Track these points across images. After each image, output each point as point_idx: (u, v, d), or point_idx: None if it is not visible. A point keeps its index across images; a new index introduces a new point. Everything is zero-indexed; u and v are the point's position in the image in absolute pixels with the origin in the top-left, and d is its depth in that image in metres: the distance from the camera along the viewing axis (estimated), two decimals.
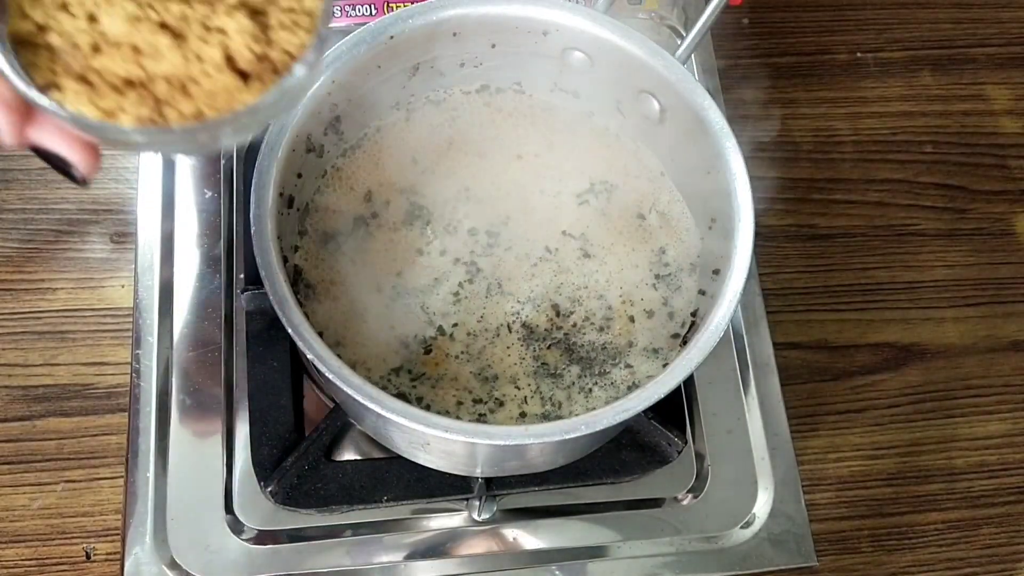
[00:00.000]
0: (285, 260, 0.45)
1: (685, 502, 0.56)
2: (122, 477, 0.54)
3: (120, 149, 0.30)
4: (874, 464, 0.62)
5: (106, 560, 0.55)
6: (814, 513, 0.57)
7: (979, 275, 0.68)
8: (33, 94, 0.27)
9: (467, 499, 0.54)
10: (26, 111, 0.27)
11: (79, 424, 0.57)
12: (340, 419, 0.53)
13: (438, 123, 0.54)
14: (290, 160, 0.46)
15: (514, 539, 0.54)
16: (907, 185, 0.71)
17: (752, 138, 0.50)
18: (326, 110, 0.49)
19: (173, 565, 0.51)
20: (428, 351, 0.49)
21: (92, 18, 0.28)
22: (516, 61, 0.52)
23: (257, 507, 0.53)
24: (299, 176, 0.49)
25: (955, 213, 0.70)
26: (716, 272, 0.48)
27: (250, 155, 0.55)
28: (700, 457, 0.57)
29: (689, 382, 0.58)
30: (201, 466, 0.54)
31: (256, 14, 0.29)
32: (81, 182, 0.30)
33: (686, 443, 0.55)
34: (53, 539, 0.55)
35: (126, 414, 0.55)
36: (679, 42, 0.50)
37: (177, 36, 0.28)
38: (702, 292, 0.51)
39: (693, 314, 0.51)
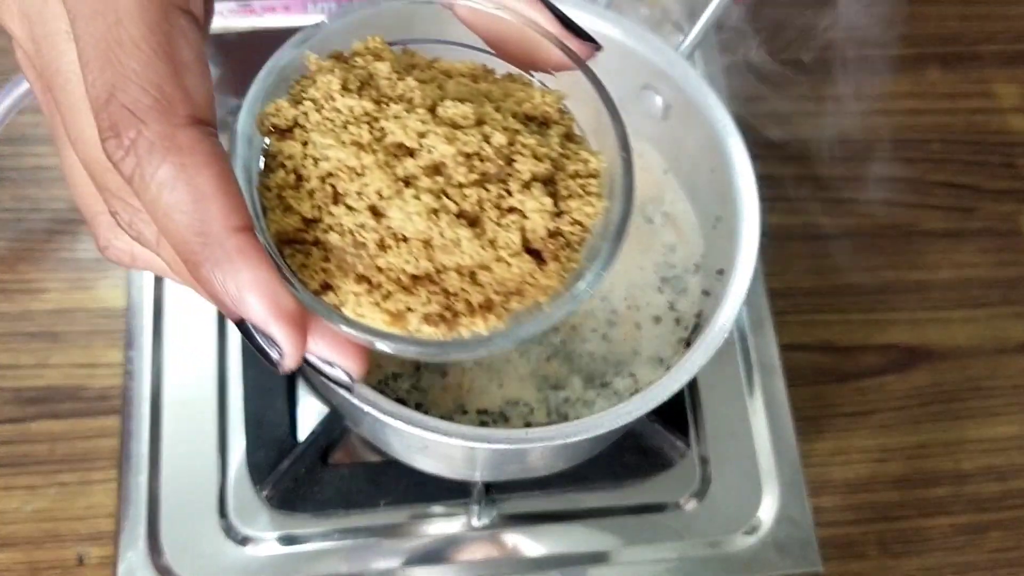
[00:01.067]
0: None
1: (688, 507, 0.55)
2: (115, 480, 0.54)
3: (403, 357, 0.27)
4: (881, 467, 0.62)
5: (99, 564, 0.54)
6: (819, 517, 0.57)
7: (987, 275, 0.68)
8: (321, 307, 0.24)
9: (466, 504, 0.53)
10: (305, 324, 0.24)
11: (71, 426, 0.57)
12: (336, 422, 0.53)
13: None
14: None
15: (514, 545, 0.53)
16: (914, 184, 0.70)
17: (757, 135, 0.49)
18: None
19: (166, 570, 0.51)
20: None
21: (375, 211, 0.24)
22: None
23: (252, 511, 0.53)
24: None
25: (963, 212, 0.70)
26: (720, 272, 0.48)
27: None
28: (703, 461, 0.56)
29: (692, 384, 0.58)
30: (195, 470, 0.53)
31: (547, 184, 0.26)
32: (349, 388, 0.26)
33: (689, 446, 0.55)
34: (45, 543, 0.54)
35: (119, 416, 0.55)
36: (682, 38, 0.49)
37: (473, 223, 0.25)
38: (706, 293, 0.50)
39: (697, 315, 0.50)
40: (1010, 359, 0.65)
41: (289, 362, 0.23)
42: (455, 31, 0.28)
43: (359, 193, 0.25)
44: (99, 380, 0.58)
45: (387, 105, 0.25)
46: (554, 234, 0.26)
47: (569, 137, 0.28)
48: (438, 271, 0.25)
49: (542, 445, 0.39)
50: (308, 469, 0.52)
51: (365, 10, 0.28)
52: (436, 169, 0.25)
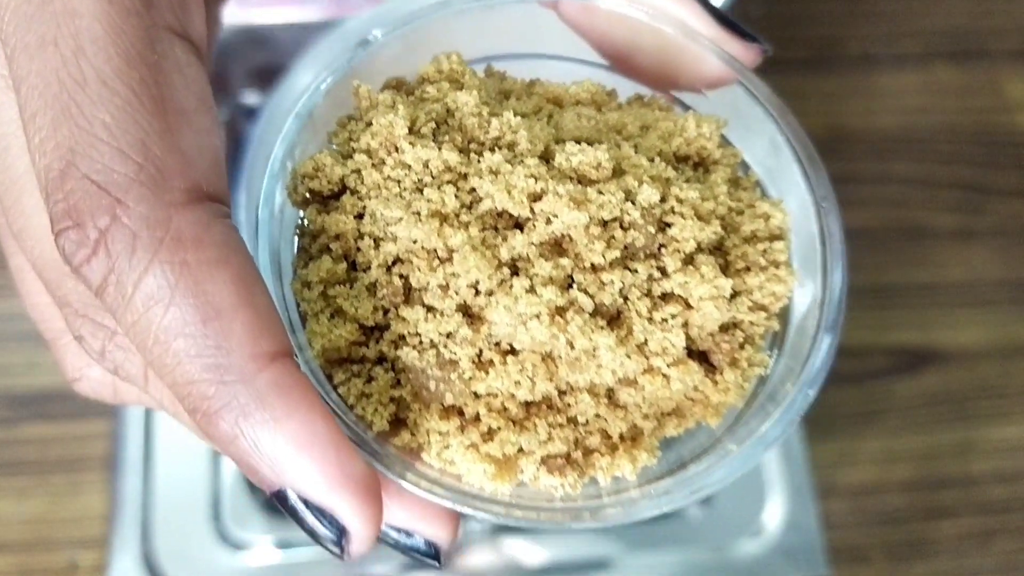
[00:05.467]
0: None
1: (692, 511, 0.54)
2: (107, 484, 0.53)
3: (511, 524, 0.17)
4: (888, 471, 0.61)
5: (91, 569, 0.53)
6: (825, 522, 0.56)
7: (997, 275, 0.67)
8: (390, 462, 0.17)
9: None
10: (379, 489, 0.16)
11: (63, 429, 0.56)
12: None
13: None
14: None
15: (514, 551, 0.53)
16: (922, 182, 0.70)
17: None
18: None
19: (160, 575, 0.50)
20: None
21: (469, 313, 0.17)
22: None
23: (247, 516, 0.52)
24: None
25: (972, 211, 0.69)
26: None
27: (239, 151, 0.54)
28: None
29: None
30: (189, 473, 0.53)
31: (716, 253, 0.18)
32: (439, 565, 0.19)
33: None
34: (37, 548, 0.54)
35: (111, 419, 0.54)
36: None
37: (614, 322, 0.17)
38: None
39: None
40: (1020, 360, 0.65)
41: (360, 546, 0.16)
42: (554, 41, 0.20)
43: (444, 287, 0.17)
44: None
45: (479, 154, 0.17)
46: (727, 327, 0.18)
47: (736, 182, 0.20)
48: (562, 393, 0.17)
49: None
50: None
51: (428, 16, 0.19)
52: (559, 246, 0.17)
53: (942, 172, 0.70)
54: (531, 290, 0.16)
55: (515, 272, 0.16)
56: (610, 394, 0.17)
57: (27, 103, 0.14)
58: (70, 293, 0.17)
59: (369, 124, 0.18)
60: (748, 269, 0.18)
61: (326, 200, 0.18)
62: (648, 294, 0.17)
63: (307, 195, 0.18)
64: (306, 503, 0.16)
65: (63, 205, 0.14)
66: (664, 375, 0.17)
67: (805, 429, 0.57)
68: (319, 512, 0.16)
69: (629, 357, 0.17)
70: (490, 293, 0.16)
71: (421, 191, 0.17)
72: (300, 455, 0.15)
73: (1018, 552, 0.60)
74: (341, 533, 0.16)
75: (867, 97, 0.72)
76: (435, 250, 0.17)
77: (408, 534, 0.18)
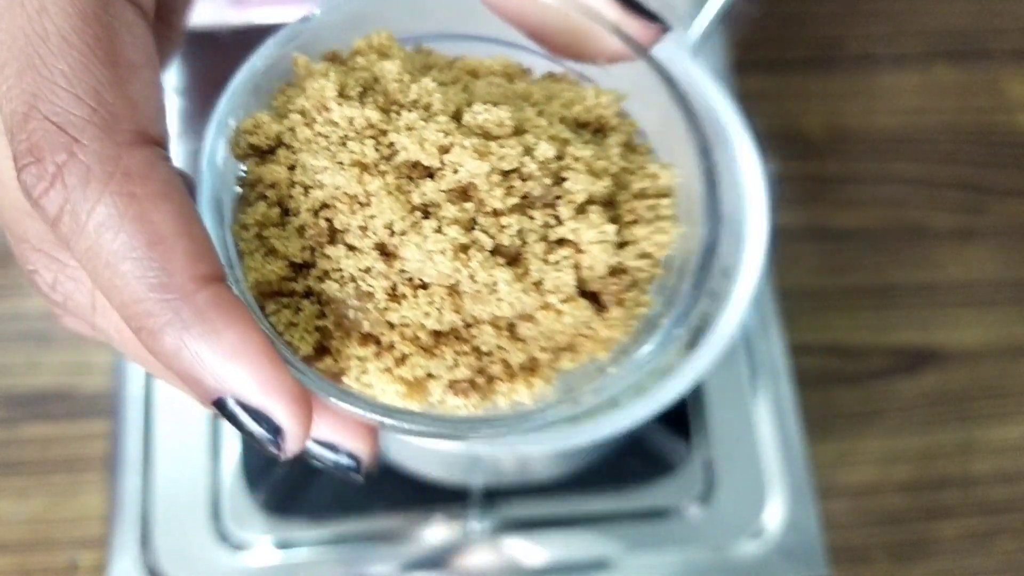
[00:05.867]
0: None
1: (692, 512, 0.55)
2: (107, 484, 0.53)
3: (420, 435, 0.20)
4: (888, 471, 0.61)
5: (91, 569, 0.53)
6: (826, 522, 0.56)
7: (997, 275, 0.67)
8: (316, 379, 0.19)
9: (465, 509, 0.53)
10: (308, 396, 0.19)
11: (63, 429, 0.56)
12: None
13: None
14: None
15: (513, 551, 0.53)
16: (923, 182, 0.70)
17: (763, 132, 0.49)
18: None
19: (160, 575, 0.50)
20: None
21: (385, 251, 0.19)
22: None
23: (246, 516, 0.52)
24: None
25: (972, 211, 0.69)
26: (724, 271, 0.47)
27: None
28: (707, 465, 0.56)
29: (696, 386, 0.57)
30: (188, 473, 0.53)
31: (607, 207, 0.20)
32: (355, 472, 0.21)
33: (692, 450, 0.55)
34: (37, 548, 0.54)
35: (111, 419, 0.54)
36: (687, 34, 0.48)
37: (513, 261, 0.19)
38: (710, 293, 0.49)
39: (700, 316, 0.49)
40: (1020, 360, 0.65)
41: (294, 444, 0.18)
42: (481, 24, 0.23)
43: (363, 228, 0.19)
44: (91, 381, 0.57)
45: (398, 114, 0.20)
46: (616, 271, 0.20)
47: (631, 147, 0.22)
48: (467, 325, 0.20)
49: (543, 449, 0.38)
50: (304, 473, 0.52)
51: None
52: (464, 193, 0.19)
53: (942, 172, 0.70)
54: (438, 230, 0.19)
55: (426, 215, 0.19)
56: (510, 327, 0.20)
57: None
58: (28, 230, 0.19)
59: (304, 89, 0.21)
60: (636, 222, 0.20)
61: (263, 154, 0.20)
62: (544, 239, 0.19)
63: (248, 148, 0.20)
64: (244, 407, 0.18)
65: (25, 144, 0.17)
66: (557, 310, 0.19)
67: (805, 429, 0.57)
68: (256, 414, 0.18)
69: (526, 293, 0.19)
70: (403, 233, 0.19)
71: (346, 145, 0.19)
72: (239, 363, 0.17)
73: (1019, 552, 0.60)
74: (276, 433, 0.18)
75: (867, 97, 0.72)
76: (356, 196, 0.19)
77: (334, 449, 0.20)
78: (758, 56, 0.71)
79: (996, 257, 0.68)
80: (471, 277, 0.19)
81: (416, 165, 0.20)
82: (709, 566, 0.53)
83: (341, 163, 0.19)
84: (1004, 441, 0.62)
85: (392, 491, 0.52)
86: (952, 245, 0.68)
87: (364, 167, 0.19)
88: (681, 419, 0.56)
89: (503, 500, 0.53)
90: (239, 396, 0.17)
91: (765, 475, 0.55)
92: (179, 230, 0.17)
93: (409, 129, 0.19)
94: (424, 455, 0.48)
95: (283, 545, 0.52)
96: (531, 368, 0.20)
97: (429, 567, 0.52)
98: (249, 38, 0.61)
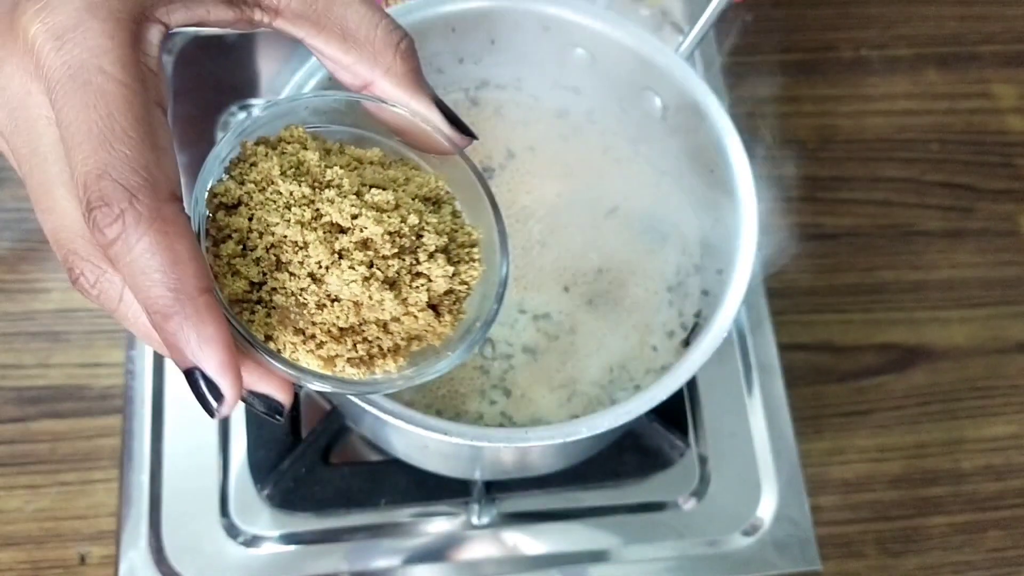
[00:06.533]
0: None
1: (687, 506, 0.55)
2: (117, 480, 0.54)
3: (328, 391, 0.31)
4: (879, 467, 0.62)
5: (100, 564, 0.54)
6: (818, 516, 0.57)
7: (985, 275, 0.68)
8: (266, 351, 0.29)
9: (466, 503, 0.53)
10: (239, 368, 0.27)
11: (73, 426, 0.57)
12: (337, 422, 0.53)
13: None
14: None
15: (514, 543, 0.53)
16: (913, 184, 0.70)
17: (755, 136, 0.49)
18: None
19: (168, 569, 0.51)
20: None
21: (314, 278, 0.29)
22: (516, 57, 0.51)
23: (253, 510, 0.53)
24: None
25: (961, 212, 0.70)
26: (719, 272, 0.48)
27: None
28: (702, 460, 0.56)
29: (691, 384, 0.58)
30: (196, 469, 0.53)
31: (444, 252, 0.32)
32: (278, 416, 0.30)
33: (688, 446, 0.55)
34: (47, 542, 0.54)
35: (120, 416, 0.55)
36: (681, 39, 0.49)
37: (392, 286, 0.30)
38: (705, 293, 0.50)
39: (696, 315, 0.50)
40: (1008, 359, 0.65)
41: (227, 408, 0.27)
42: (363, 123, 0.34)
43: (301, 263, 0.29)
44: (101, 380, 0.58)
45: (321, 190, 0.30)
46: (448, 292, 0.31)
47: (455, 214, 0.33)
48: (361, 324, 0.30)
49: (542, 444, 0.39)
50: (309, 468, 0.52)
51: (287, 104, 0.33)
52: (365, 244, 0.30)
53: (932, 174, 0.71)
54: (351, 267, 0.29)
55: (341, 257, 0.29)
56: (385, 325, 0.30)
57: (72, 137, 0.26)
58: (79, 248, 0.27)
59: (254, 164, 0.30)
60: (460, 262, 0.32)
61: (229, 208, 0.30)
62: (410, 272, 0.30)
63: (218, 205, 0.30)
64: (204, 377, 0.26)
65: (98, 194, 0.25)
66: (415, 316, 0.30)
67: (798, 426, 0.57)
68: (209, 383, 0.26)
69: (399, 306, 0.30)
70: (327, 268, 0.29)
71: (290, 208, 0.29)
72: (211, 347, 0.26)
73: (1008, 547, 0.60)
74: (219, 398, 0.26)
75: (859, 100, 0.73)
76: (296, 242, 0.29)
77: (265, 398, 0.29)
78: (750, 60, 0.72)
79: (985, 257, 0.68)
80: (369, 296, 0.29)
81: (335, 225, 0.30)
82: (703, 559, 0.54)
83: (287, 220, 0.29)
84: (993, 437, 0.63)
85: (396, 486, 0.53)
86: (942, 245, 0.68)
87: (302, 224, 0.29)
88: (677, 416, 0.57)
89: (504, 494, 0.53)
90: (206, 368, 0.26)
91: (758, 470, 0.56)
92: (191, 257, 0.26)
93: (330, 202, 0.30)
94: (427, 451, 0.49)
95: (289, 539, 0.52)
96: (395, 351, 0.31)
97: (432, 559, 0.52)
98: (250, 37, 0.61)
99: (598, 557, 0.53)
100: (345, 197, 0.30)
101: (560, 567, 0.53)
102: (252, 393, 0.29)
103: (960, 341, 0.66)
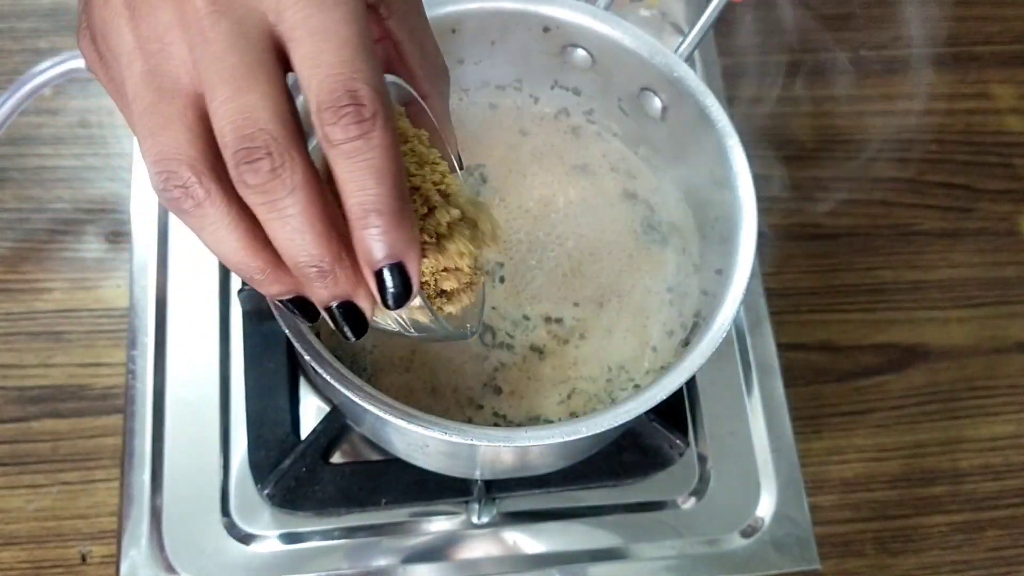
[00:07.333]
0: None
1: (687, 505, 0.55)
2: (118, 479, 0.54)
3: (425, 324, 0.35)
4: (878, 466, 0.62)
5: (101, 563, 0.54)
6: (817, 516, 0.57)
7: (984, 275, 0.68)
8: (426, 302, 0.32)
9: (466, 502, 0.53)
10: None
11: (74, 425, 0.57)
12: (338, 421, 0.53)
13: None
14: None
15: (514, 542, 0.53)
16: (912, 184, 0.71)
17: (755, 136, 0.49)
18: None
19: (169, 568, 0.51)
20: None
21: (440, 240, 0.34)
22: (516, 58, 0.52)
23: (254, 510, 0.53)
24: None
25: (960, 212, 0.70)
26: (719, 272, 0.48)
27: None
28: (702, 459, 0.56)
29: (691, 383, 0.58)
30: (197, 468, 0.53)
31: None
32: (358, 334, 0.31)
33: (688, 445, 0.55)
34: (48, 541, 0.55)
35: (121, 415, 0.55)
36: (681, 39, 0.49)
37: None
38: (704, 293, 0.50)
39: (695, 315, 0.50)
40: (1007, 358, 0.66)
41: (410, 298, 0.29)
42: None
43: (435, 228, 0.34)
44: (102, 379, 0.58)
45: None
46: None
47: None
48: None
49: (542, 443, 0.39)
50: (309, 468, 0.52)
51: None
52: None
53: (931, 174, 0.71)
54: (460, 242, 0.34)
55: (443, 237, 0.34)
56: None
57: (328, 39, 0.27)
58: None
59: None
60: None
61: None
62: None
63: None
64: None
65: (352, 96, 0.27)
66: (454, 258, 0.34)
67: (797, 425, 0.58)
68: (353, 311, 0.30)
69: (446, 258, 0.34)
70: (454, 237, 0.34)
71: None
72: (416, 249, 0.29)
73: (1007, 546, 0.61)
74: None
75: (858, 100, 0.73)
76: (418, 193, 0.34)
77: (353, 310, 0.30)
78: (750, 60, 0.72)
79: (983, 257, 0.69)
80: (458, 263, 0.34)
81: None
82: (703, 558, 0.54)
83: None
84: (991, 437, 0.63)
85: (396, 485, 0.53)
86: (941, 245, 0.69)
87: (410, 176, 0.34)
88: (677, 416, 0.56)
89: (504, 493, 0.53)
90: (408, 264, 0.28)
91: (758, 470, 0.56)
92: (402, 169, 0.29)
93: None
94: (427, 450, 0.49)
95: (290, 538, 0.53)
96: (463, 290, 0.35)
97: (432, 559, 0.53)
98: None
99: (598, 556, 0.53)
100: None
101: (560, 566, 0.53)
102: (342, 305, 0.30)
103: (959, 341, 0.66)
